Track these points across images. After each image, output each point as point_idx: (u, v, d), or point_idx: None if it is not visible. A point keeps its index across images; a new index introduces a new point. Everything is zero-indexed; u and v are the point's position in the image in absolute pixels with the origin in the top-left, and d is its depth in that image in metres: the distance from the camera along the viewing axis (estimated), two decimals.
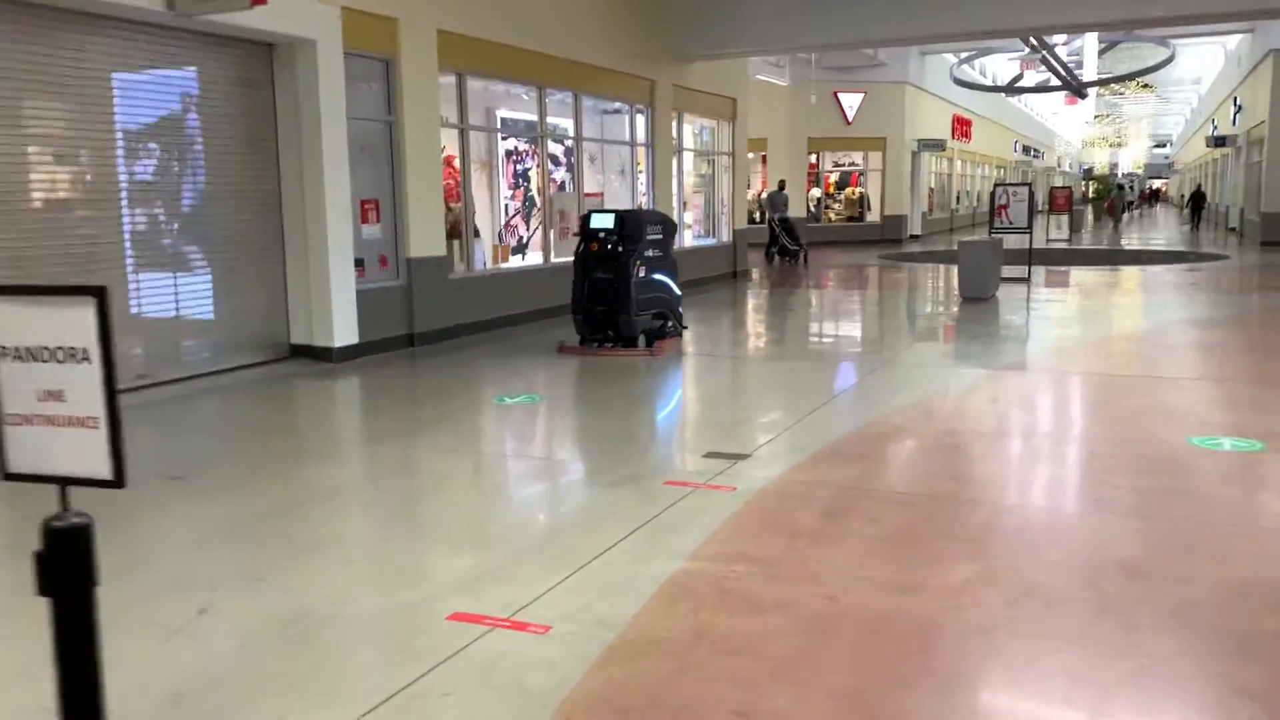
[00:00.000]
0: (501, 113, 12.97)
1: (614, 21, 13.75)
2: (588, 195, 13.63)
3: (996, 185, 15.09)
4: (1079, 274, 17.67)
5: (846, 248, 25.64)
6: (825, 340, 10.56)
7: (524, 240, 13.05)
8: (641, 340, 9.49)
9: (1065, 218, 30.60)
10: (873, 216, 29.01)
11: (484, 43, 11.29)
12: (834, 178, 29.19)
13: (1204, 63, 40.54)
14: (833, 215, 29.09)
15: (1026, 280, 15.38)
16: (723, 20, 14.90)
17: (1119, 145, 73.75)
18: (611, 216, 9.41)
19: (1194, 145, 50.19)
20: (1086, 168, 75.99)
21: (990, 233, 14.99)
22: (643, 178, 14.80)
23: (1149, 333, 10.58)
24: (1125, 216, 56.69)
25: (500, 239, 12.57)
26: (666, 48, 14.99)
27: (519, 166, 13.32)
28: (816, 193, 28.57)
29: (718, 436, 6.32)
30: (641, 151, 14.80)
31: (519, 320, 11.91)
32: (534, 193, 13.07)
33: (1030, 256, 16.04)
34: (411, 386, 8.37)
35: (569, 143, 13.30)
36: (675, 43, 15.10)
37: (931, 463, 5.67)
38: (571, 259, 9.76)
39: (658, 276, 9.65)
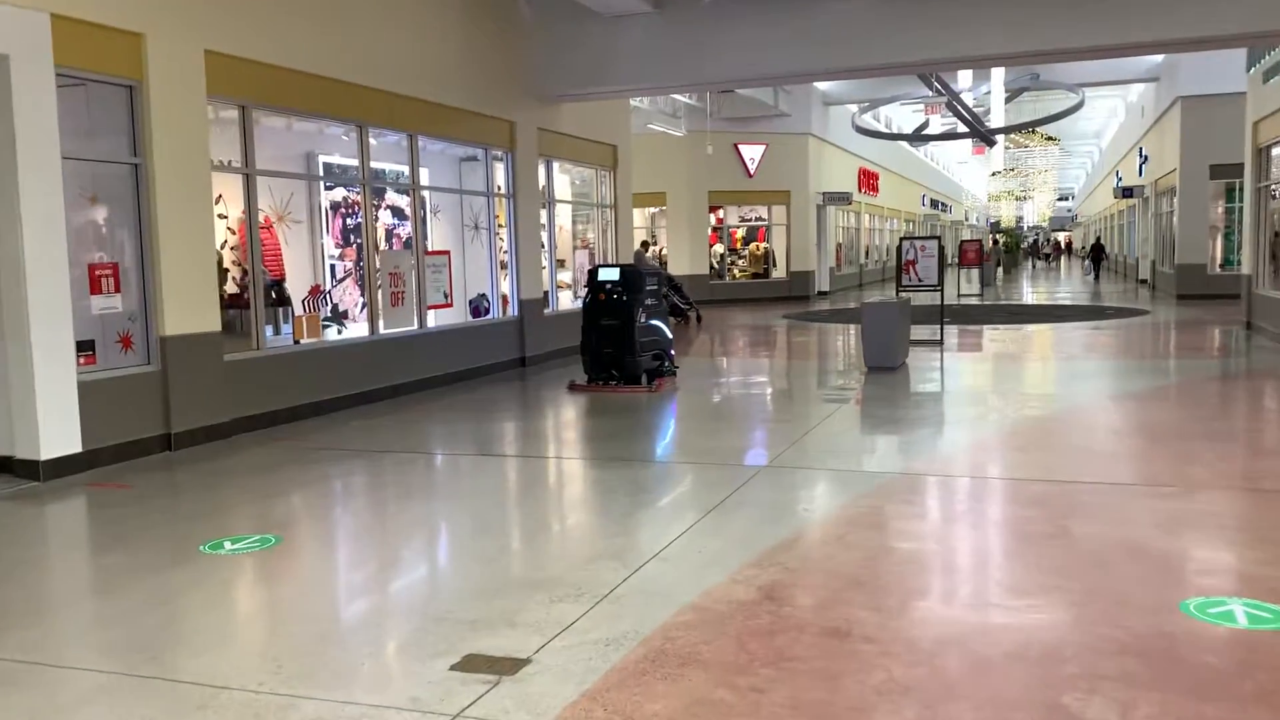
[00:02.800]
0: (325, 158, 10.90)
1: (463, 54, 12.07)
2: (432, 253, 11.68)
3: (903, 240, 14.28)
4: (995, 334, 17.09)
5: (752, 305, 24.85)
6: (692, 438, 8.86)
7: (339, 308, 10.92)
8: (644, 378, 10.87)
9: (976, 272, 29.71)
10: (779, 273, 28.05)
11: (278, 70, 9.20)
12: (741, 232, 28.52)
13: (1105, 116, 40.38)
14: (738, 272, 28.08)
15: (939, 343, 14.56)
16: (588, 57, 13.27)
17: (1024, 198, 74.42)
18: (616, 270, 10.98)
19: (1097, 197, 50.33)
20: (993, 220, 76.53)
21: (897, 291, 14.20)
22: (505, 231, 13.31)
23: (1086, 412, 9.28)
24: (1035, 265, 56.50)
25: (306, 308, 10.35)
26: (527, 87, 13.47)
27: (349, 220, 11.21)
28: (720, 248, 27.60)
29: (484, 620, 4.26)
30: (502, 202, 13.19)
31: (329, 408, 9.71)
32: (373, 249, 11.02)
33: (942, 316, 14.76)
34: (123, 518, 6.26)
35: (420, 193, 11.68)
36: (537, 81, 13.51)
37: (796, 681, 3.57)
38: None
39: (654, 322, 11.16)
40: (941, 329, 14.91)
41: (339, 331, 10.65)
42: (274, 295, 10.20)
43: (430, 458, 7.73)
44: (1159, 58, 23.91)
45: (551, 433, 9.02)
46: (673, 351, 11.56)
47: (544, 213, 14.19)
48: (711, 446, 7.95)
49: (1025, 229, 77.96)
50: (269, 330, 9.81)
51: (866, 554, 5.03)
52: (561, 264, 15.35)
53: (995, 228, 69.30)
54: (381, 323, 10.72)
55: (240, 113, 8.94)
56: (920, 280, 14.10)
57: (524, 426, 9.12)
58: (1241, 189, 18.12)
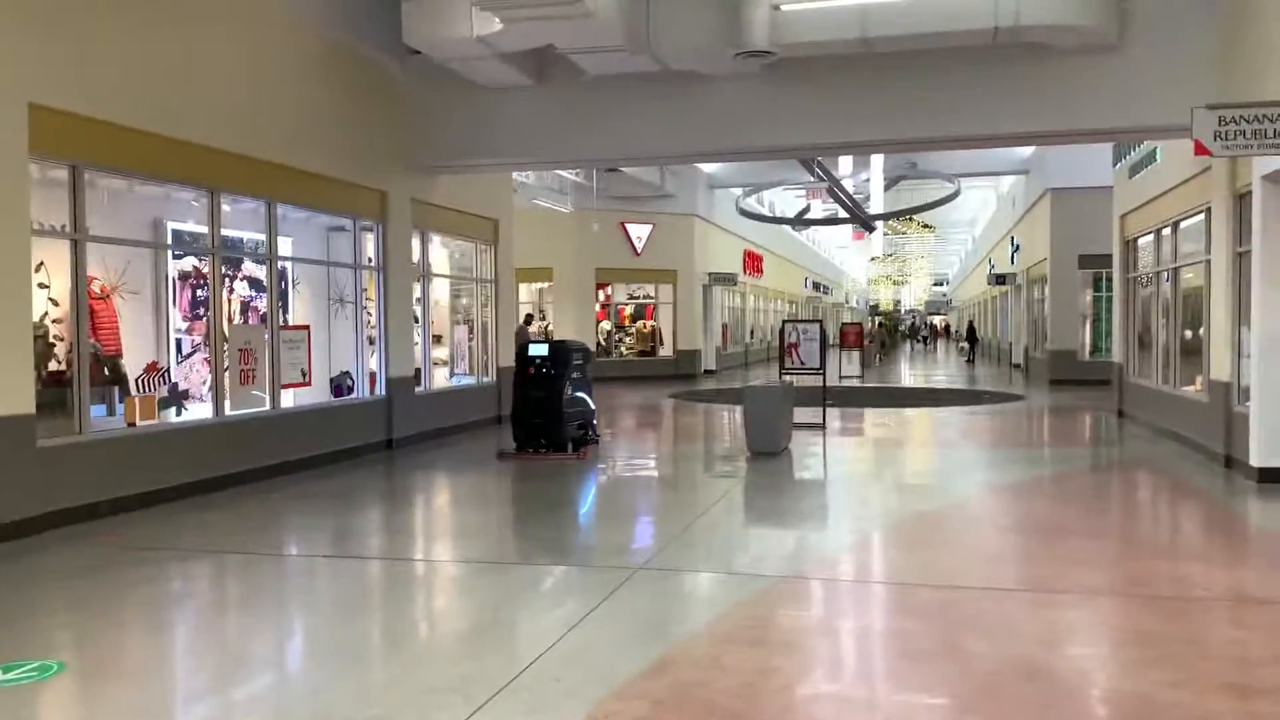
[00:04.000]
0: (176, 224, 10.13)
1: (329, 118, 11.56)
2: (289, 328, 10.96)
3: (785, 323, 14.37)
4: (876, 417, 17.22)
5: (639, 383, 24.57)
6: (568, 533, 8.47)
7: (179, 387, 10.08)
8: (570, 446, 11.87)
9: (856, 354, 30.18)
10: (666, 350, 27.91)
11: (116, 128, 8.44)
12: (629, 309, 28.48)
13: (978, 205, 42.02)
14: (625, 349, 27.89)
15: (822, 427, 14.49)
16: (466, 128, 12.92)
17: (902, 282, 76.99)
18: (545, 347, 12.09)
19: (971, 282, 52.19)
20: (872, 303, 78.80)
21: (780, 374, 14.25)
22: (371, 305, 12.78)
23: (968, 505, 9.11)
24: (914, 347, 58.04)
25: (142, 387, 9.47)
26: (401, 155, 13.03)
27: (199, 292, 10.40)
28: (607, 325, 27.56)
29: None
30: (372, 275, 12.65)
31: (164, 499, 8.81)
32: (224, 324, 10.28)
33: (824, 399, 14.62)
34: None
35: (280, 265, 11.03)
36: (412, 150, 13.10)
37: None
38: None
39: (579, 394, 12.12)
40: (824, 412, 14.83)
41: (178, 413, 9.77)
42: (108, 373, 9.28)
43: (273, 560, 7.11)
44: (1029, 151, 24.90)
45: (416, 528, 8.63)
46: (595, 421, 12.70)
47: (418, 286, 13.74)
48: (588, 543, 7.69)
49: (903, 312, 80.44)
50: (100, 411, 8.89)
51: (743, 679, 4.50)
52: (438, 340, 14.90)
53: (875, 310, 71.32)
54: (228, 403, 9.88)
55: (70, 172, 8.14)
56: (803, 363, 14.14)
57: (386, 520, 8.66)
58: (1109, 279, 18.69)
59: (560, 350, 12.01)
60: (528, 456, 11.72)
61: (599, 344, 26.73)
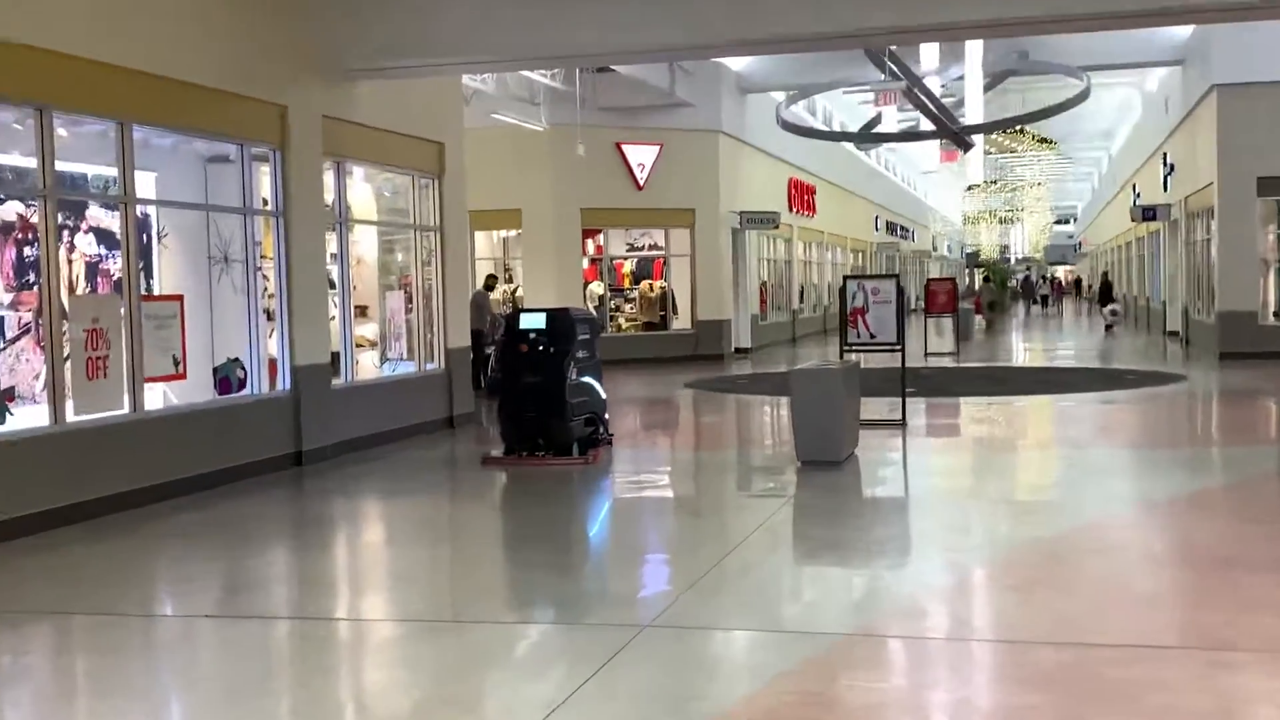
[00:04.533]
0: None
1: (209, 6, 11.59)
2: (155, 298, 11.14)
3: (847, 279, 14.43)
4: (979, 409, 17.42)
5: (644, 368, 24.57)
6: (552, 575, 8.55)
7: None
8: (575, 448, 12.39)
9: (949, 321, 30.15)
10: (681, 323, 28.16)
11: None
12: (628, 266, 28.62)
13: (1117, 111, 41.81)
14: (624, 321, 28.19)
15: (901, 425, 14.56)
16: (398, 18, 13.02)
17: (1012, 221, 77.06)
18: (542, 316, 12.57)
19: (1108, 219, 52.14)
20: (970, 250, 78.96)
21: (842, 352, 14.29)
22: (269, 265, 12.91)
23: (1106, 529, 9.18)
24: (1031, 311, 58.08)
25: None
26: (306, 56, 13.11)
27: (28, 251, 10.44)
28: (598, 288, 27.62)
29: None
30: (268, 223, 12.88)
31: None
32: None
33: (904, 386, 14.96)
34: None
35: (139, 211, 11.04)
36: (321, 49, 13.29)
37: None
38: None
39: (586, 379, 12.71)
40: (904, 405, 14.87)
41: (1, 420, 9.83)
42: None
43: (140, 623, 7.18)
44: (1187, 31, 24.71)
45: (339, 574, 8.80)
46: (607, 415, 13.32)
47: (334, 238, 13.87)
48: (580, 590, 7.91)
49: (1013, 262, 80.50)
50: None
51: None
52: (363, 312, 15.07)
53: (974, 260, 71.37)
54: (71, 405, 9.95)
55: None
56: (873, 335, 14.18)
57: (296, 564, 8.78)
58: None
59: (562, 321, 12.53)
60: (521, 462, 12.31)
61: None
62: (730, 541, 8.93)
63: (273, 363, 12.74)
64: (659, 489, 11.94)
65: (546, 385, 12.24)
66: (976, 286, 46.63)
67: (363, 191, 15.18)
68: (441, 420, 15.55)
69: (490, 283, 22.40)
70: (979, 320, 40.35)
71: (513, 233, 26.61)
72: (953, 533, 9.14)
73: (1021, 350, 31.14)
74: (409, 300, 15.82)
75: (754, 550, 8.58)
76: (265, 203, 12.77)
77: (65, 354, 10.02)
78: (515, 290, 26.20)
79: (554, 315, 12.60)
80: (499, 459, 12.43)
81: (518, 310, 12.92)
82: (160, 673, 6.29)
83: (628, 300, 28.20)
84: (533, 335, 12.37)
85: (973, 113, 29.96)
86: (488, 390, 19.00)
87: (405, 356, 15.72)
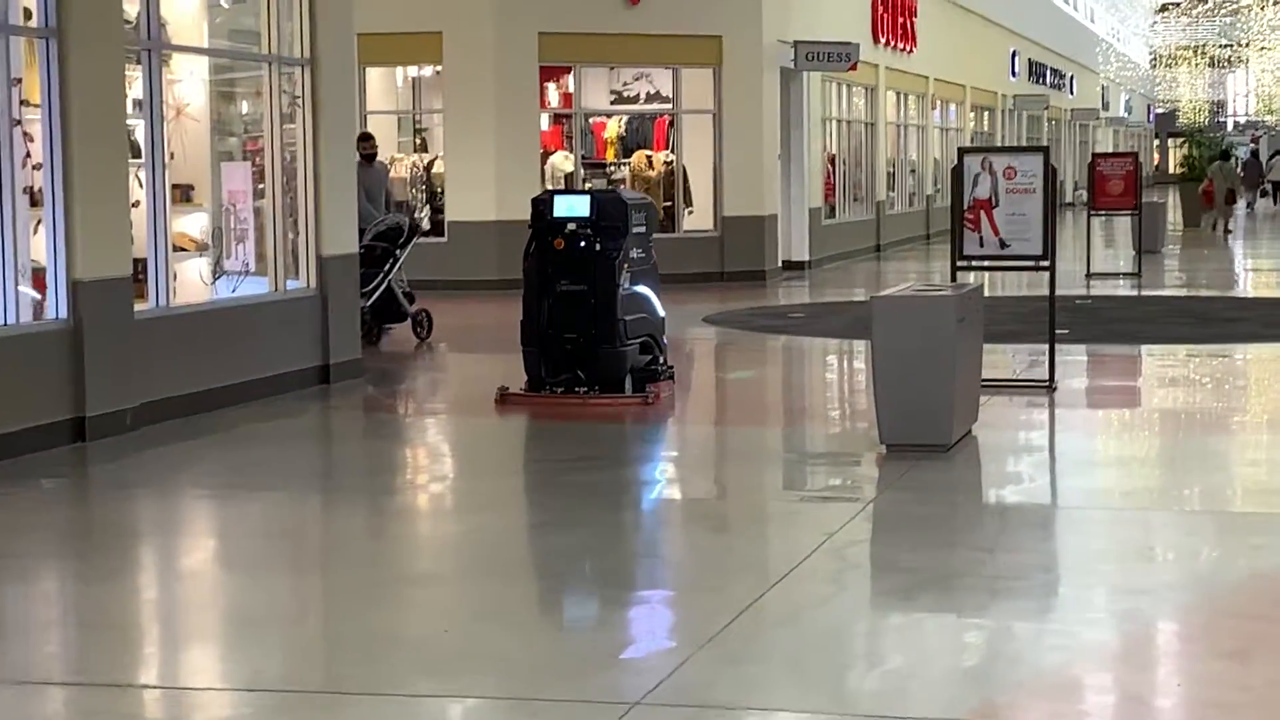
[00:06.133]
0: None
1: None
2: None
3: (965, 154, 14.60)
4: (1175, 367, 17.57)
5: None
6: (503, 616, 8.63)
7: None
8: (628, 383, 14.07)
9: (1129, 222, 30.09)
10: (700, 220, 27.95)
11: None
12: (615, 127, 29.04)
13: None
14: None
15: (1046, 387, 14.78)
16: None
17: (1230, 63, 76.95)
18: (586, 200, 14.24)
19: None
20: (1162, 111, 78.93)
21: (954, 270, 14.57)
22: (34, 117, 12.98)
23: None
24: (1257, 206, 57.95)
25: None
26: None
27: None
28: (565, 163, 27.97)
29: None
30: (29, 48, 12.88)
31: None
32: None
33: (1053, 327, 14.92)
34: None
35: None
36: None
37: None
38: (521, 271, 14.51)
39: (641, 289, 14.36)
40: (1052, 356, 15.01)
41: None
42: None
43: None
44: None
45: (151, 614, 8.83)
46: (666, 340, 15.03)
47: (138, 75, 13.97)
48: (535, 644, 7.96)
49: (1230, 130, 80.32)
50: None
51: None
52: (185, 196, 15.29)
53: (1168, 126, 71.15)
54: None
55: None
56: (1004, 244, 14.31)
57: (74, 602, 8.94)
58: None
59: (613, 206, 14.27)
60: (551, 401, 14.06)
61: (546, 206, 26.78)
62: (773, 571, 9.08)
63: (39, 275, 12.87)
64: (663, 485, 12.14)
65: (592, 296, 13.75)
66: (1207, 167, 46.01)
67: (194, 4, 15.05)
68: (310, 371, 15.83)
69: (368, 149, 21.72)
70: (1214, 219, 40.37)
71: (429, 70, 26.54)
72: (1127, 562, 9.25)
73: (1244, 271, 31.06)
74: (260, 178, 15.92)
75: (809, 584, 8.72)
76: (27, 14, 12.85)
77: None
78: (430, 164, 26.09)
79: (601, 199, 14.21)
80: (521, 395, 13.99)
81: (549, 192, 14.60)
82: None
83: (613, 184, 28.25)
84: (572, 227, 13.77)
85: None
86: (372, 317, 19.40)
87: (253, 269, 15.81)
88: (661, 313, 14.70)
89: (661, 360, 14.62)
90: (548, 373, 13.83)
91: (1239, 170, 62.95)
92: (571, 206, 13.89)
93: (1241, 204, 57.66)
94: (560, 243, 13.74)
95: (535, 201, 14.37)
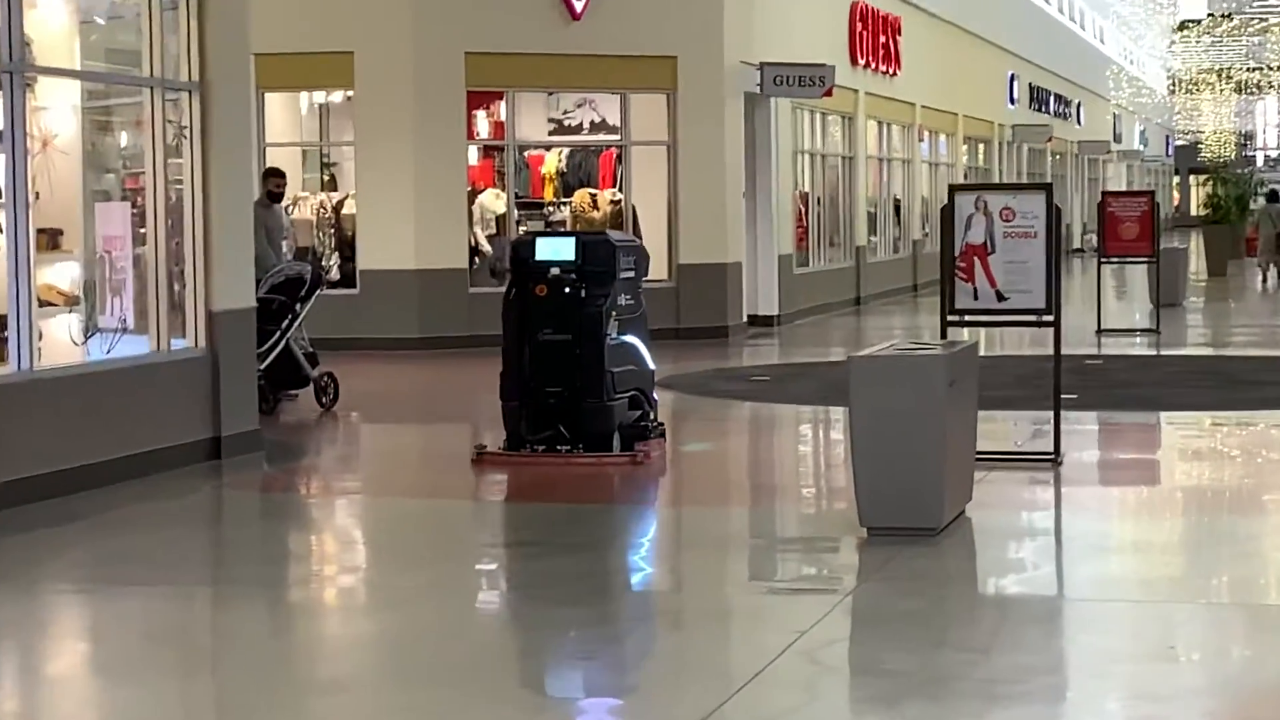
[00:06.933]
0: None
1: None
2: None
3: (956, 192, 14.76)
4: (1199, 438, 17.69)
5: None
6: None
7: None
8: (616, 440, 14.87)
9: (1145, 270, 30.39)
10: (654, 268, 27.87)
11: None
12: (555, 161, 29.43)
13: None
14: None
15: (1053, 462, 14.95)
16: None
17: (1259, 88, 77.73)
18: (571, 243, 15.09)
19: None
20: (1182, 143, 79.72)
21: (944, 325, 14.78)
22: None
23: None
24: None
25: None
26: None
27: None
28: (496, 202, 28.45)
29: None
30: None
31: None
32: None
33: (1058, 391, 15.11)
34: None
35: None
36: None
37: None
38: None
39: (629, 339, 15.23)
40: (1057, 425, 15.19)
41: None
42: None
43: None
44: None
45: None
46: (656, 396, 15.93)
47: None
48: None
49: (1261, 165, 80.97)
50: None
51: None
52: (53, 242, 15.39)
53: (1191, 160, 71.76)
54: None
55: None
56: (1002, 296, 14.49)
57: None
58: None
59: (600, 250, 15.07)
60: (533, 461, 14.82)
61: (478, 253, 27.57)
62: (736, 675, 9.02)
63: None
64: (607, 576, 12.14)
65: (577, 346, 14.60)
66: (1244, 212, 46.30)
67: (54, 13, 15.13)
68: (199, 444, 15.83)
69: (275, 187, 22.18)
70: (1263, 270, 40.90)
71: (338, 96, 26.64)
72: (1145, 663, 9.26)
73: (1277, 325, 31.29)
74: (140, 221, 15.96)
75: (777, 691, 8.65)
76: None
77: None
78: (339, 204, 26.20)
79: (588, 241, 15.10)
80: (499, 454, 14.92)
81: (531, 234, 15.79)
82: None
83: (552, 226, 28.52)
84: (555, 271, 14.59)
85: None
86: (267, 382, 19.27)
87: (131, 326, 15.84)
88: (651, 365, 15.66)
89: (652, 416, 15.49)
90: (529, 429, 14.55)
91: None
92: (555, 250, 14.71)
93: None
94: (543, 289, 14.54)
95: (515, 245, 15.53)
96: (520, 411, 14.61)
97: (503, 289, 26.67)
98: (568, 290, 14.54)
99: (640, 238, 28.08)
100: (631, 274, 15.24)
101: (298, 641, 10.63)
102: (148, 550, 12.55)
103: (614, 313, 14.64)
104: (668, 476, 16.24)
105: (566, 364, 14.52)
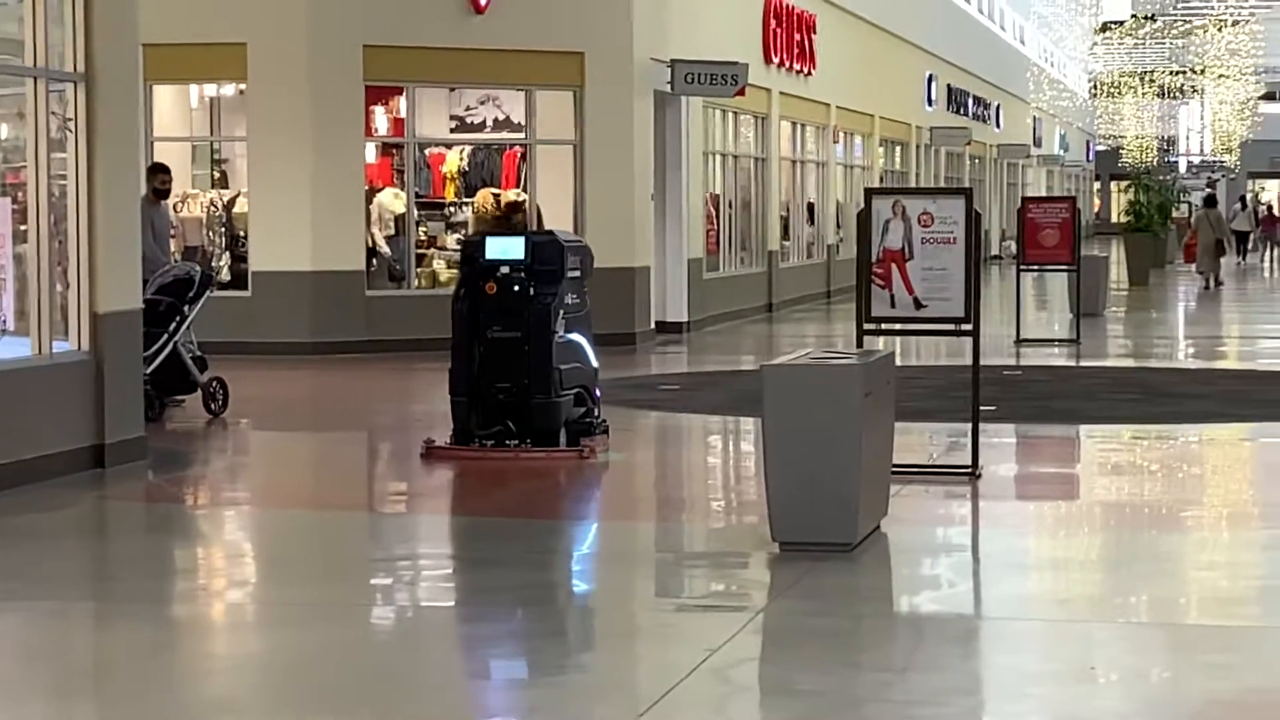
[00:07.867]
0: None
1: None
2: None
3: (872, 195, 14.92)
4: (1119, 452, 17.80)
5: None
6: None
7: None
8: (562, 436, 15.85)
9: (1066, 279, 30.50)
10: None
11: None
12: (456, 160, 29.55)
13: None
14: (444, 266, 28.66)
15: (971, 476, 15.10)
16: None
17: (1183, 93, 78.18)
18: (520, 242, 15.91)
19: None
20: (1104, 148, 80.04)
21: (860, 333, 14.85)
22: None
23: None
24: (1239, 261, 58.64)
25: None
26: None
27: None
28: (398, 203, 28.44)
29: None
30: None
31: None
32: None
33: (977, 402, 15.22)
34: None
35: None
36: None
37: None
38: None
39: (575, 337, 16.12)
40: (975, 437, 15.23)
41: None
42: None
43: None
44: None
45: None
46: (599, 392, 16.86)
47: None
48: None
49: (1184, 172, 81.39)
50: None
51: None
52: None
53: (1112, 166, 72.07)
54: None
55: None
56: (920, 305, 14.58)
57: None
58: None
59: (548, 250, 16.04)
60: (481, 455, 15.76)
61: (375, 254, 27.67)
62: (642, 696, 9.04)
63: None
64: (503, 592, 11.92)
65: (526, 343, 15.52)
66: (1191, 215, 46.60)
67: None
68: (81, 453, 15.72)
69: (160, 184, 21.79)
70: (1199, 275, 41.25)
71: (230, 89, 26.50)
72: (1064, 684, 9.30)
73: (1200, 336, 31.45)
74: (21, 218, 15.91)
75: (685, 713, 8.73)
76: None
77: None
78: (230, 202, 26.04)
79: (538, 242, 16.11)
80: (447, 448, 15.74)
81: (481, 234, 16.77)
82: None
83: (452, 228, 28.75)
84: (505, 271, 15.50)
85: None
86: (153, 387, 19.16)
87: (11, 327, 15.87)
88: (595, 363, 16.55)
89: (596, 413, 16.37)
90: (478, 424, 15.35)
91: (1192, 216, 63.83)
92: (505, 249, 15.53)
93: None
94: (492, 287, 15.40)
95: (465, 243, 16.48)
96: (469, 407, 15.32)
97: (401, 291, 27.19)
98: (517, 289, 15.35)
99: None
100: (578, 274, 16.00)
101: (183, 660, 10.46)
102: (25, 565, 12.43)
103: (561, 311, 15.44)
104: (571, 489, 16.25)
105: (515, 361, 15.33)
